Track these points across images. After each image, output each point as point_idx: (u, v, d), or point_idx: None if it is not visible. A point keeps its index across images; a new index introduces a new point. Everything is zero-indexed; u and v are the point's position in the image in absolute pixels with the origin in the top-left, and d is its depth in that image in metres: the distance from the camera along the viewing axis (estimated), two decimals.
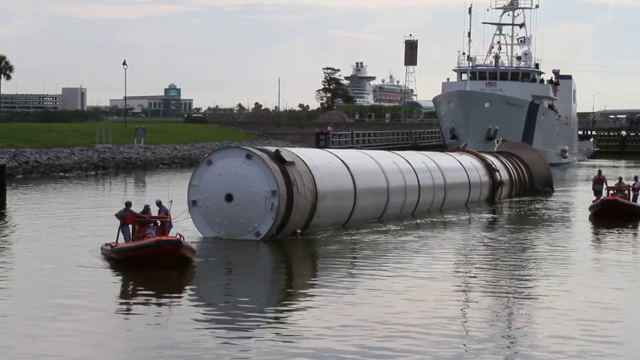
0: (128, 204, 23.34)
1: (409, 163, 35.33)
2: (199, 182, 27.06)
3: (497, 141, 52.14)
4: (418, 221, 32.99)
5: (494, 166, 42.75)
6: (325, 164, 29.86)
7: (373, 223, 31.36)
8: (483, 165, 42.29)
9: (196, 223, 26.90)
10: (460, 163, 40.42)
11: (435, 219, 34.05)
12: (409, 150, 43.62)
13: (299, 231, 27.64)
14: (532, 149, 52.78)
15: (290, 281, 22.25)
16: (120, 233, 23.28)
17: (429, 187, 35.86)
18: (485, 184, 41.69)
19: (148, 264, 21.26)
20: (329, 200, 28.98)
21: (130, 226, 22.97)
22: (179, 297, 19.04)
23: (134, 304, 18.43)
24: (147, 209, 23.24)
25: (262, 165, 26.60)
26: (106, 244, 23.33)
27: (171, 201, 24.34)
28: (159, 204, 23.65)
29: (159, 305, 18.24)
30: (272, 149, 28.46)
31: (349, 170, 30.65)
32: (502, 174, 43.42)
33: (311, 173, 28.34)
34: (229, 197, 26.48)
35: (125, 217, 22.98)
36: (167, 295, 19.16)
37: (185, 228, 25.89)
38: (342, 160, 30.98)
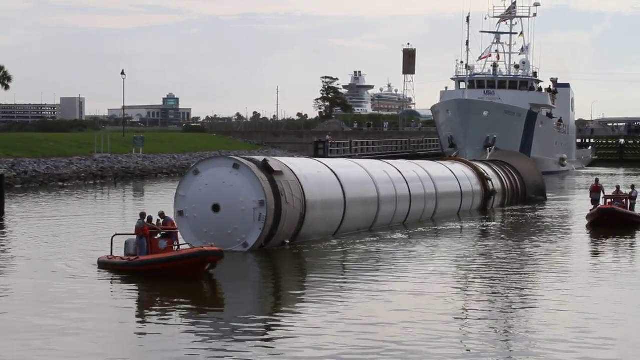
0: (143, 215, 22.98)
1: (400, 172, 35.17)
2: (185, 192, 26.82)
3: (490, 150, 52.09)
4: (409, 231, 32.81)
5: (486, 175, 42.61)
6: (314, 174, 29.69)
7: (363, 233, 31.23)
8: (475, 174, 42.13)
9: (183, 234, 26.33)
10: (452, 172, 40.28)
11: (427, 229, 33.88)
12: (401, 159, 43.53)
13: (288, 242, 27.45)
14: (525, 158, 52.72)
15: (280, 293, 22.01)
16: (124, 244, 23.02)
17: (420, 197, 35.72)
18: (477, 193, 41.54)
19: (179, 274, 21.22)
20: (318, 210, 28.83)
21: (145, 238, 22.59)
22: (168, 310, 18.96)
23: (128, 315, 18.40)
24: (150, 219, 23.02)
25: (250, 175, 26.40)
26: (109, 257, 23.05)
27: (180, 212, 24.22)
28: (161, 214, 23.53)
29: (151, 317, 18.26)
30: (260, 158, 28.29)
31: (338, 179, 30.50)
32: (495, 183, 43.27)
33: (300, 183, 28.18)
34: (216, 208, 26.25)
35: (143, 228, 22.67)
36: (156, 307, 19.20)
37: None
38: (331, 170, 30.82)
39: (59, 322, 17.00)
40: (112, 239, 23.80)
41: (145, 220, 22.79)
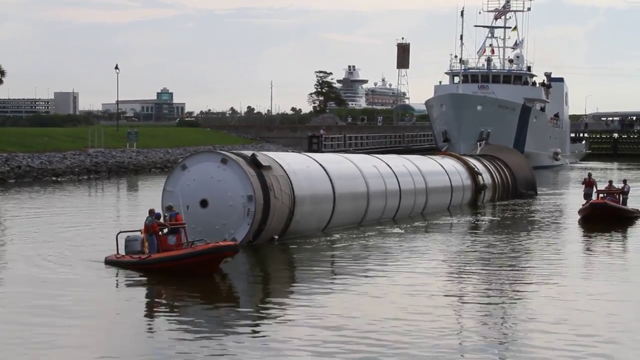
0: (151, 212, 22.83)
1: (390, 167, 35.07)
2: (173, 187, 26.54)
3: (480, 144, 51.95)
4: (399, 226, 32.71)
5: (476, 169, 42.44)
6: (303, 169, 29.58)
7: (353, 228, 31.14)
8: (465, 168, 41.97)
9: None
10: (442, 166, 40.11)
11: (417, 224, 33.73)
12: (391, 154, 43.44)
13: (277, 237, 27.38)
14: (515, 152, 52.59)
15: (269, 289, 21.83)
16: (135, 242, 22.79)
17: (410, 191, 35.61)
18: (467, 188, 41.36)
19: (193, 271, 21.09)
20: (307, 205, 28.73)
21: (155, 235, 22.43)
22: (156, 307, 18.96)
23: (116, 314, 18.22)
24: (158, 216, 22.88)
25: (238, 170, 26.26)
26: (117, 256, 22.81)
27: (187, 207, 24.44)
28: (169, 207, 23.49)
29: (140, 315, 18.16)
30: (248, 153, 28.11)
31: (327, 174, 30.40)
32: (485, 178, 43.06)
33: (288, 177, 28.08)
34: (204, 203, 26.01)
35: (153, 225, 22.48)
36: (144, 305, 19.15)
37: None
38: (320, 165, 30.71)
39: (52, 329, 16.54)
40: (117, 237, 23.54)
41: (154, 217, 22.65)
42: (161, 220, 22.97)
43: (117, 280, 21.48)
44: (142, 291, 20.72)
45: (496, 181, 44.45)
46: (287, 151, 67.04)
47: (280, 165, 28.28)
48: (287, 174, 28.14)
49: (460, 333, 16.31)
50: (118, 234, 23.86)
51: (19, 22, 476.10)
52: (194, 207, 26.12)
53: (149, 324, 17.25)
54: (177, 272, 21.37)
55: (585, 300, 19.31)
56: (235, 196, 26.09)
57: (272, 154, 30.00)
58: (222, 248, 21.46)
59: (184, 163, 27.08)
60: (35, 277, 21.55)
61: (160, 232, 22.63)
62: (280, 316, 17.68)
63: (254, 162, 27.03)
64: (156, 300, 20.14)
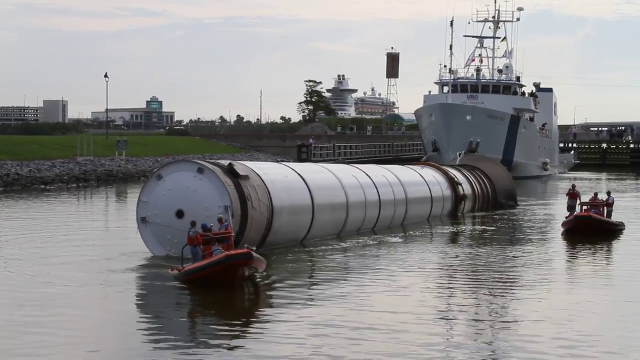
0: (194, 224, 22.76)
1: (370, 177, 34.96)
2: (148, 198, 26.36)
3: (460, 154, 51.83)
4: (379, 237, 32.59)
5: (456, 180, 42.29)
6: (281, 179, 29.44)
7: (332, 239, 31.05)
8: (446, 179, 41.86)
9: (146, 241, 26.25)
10: (422, 177, 39.97)
11: (397, 235, 33.58)
12: (371, 164, 43.37)
13: (255, 248, 26.99)
14: (495, 162, 52.46)
15: (249, 301, 21.70)
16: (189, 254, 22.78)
17: (390, 202, 35.50)
18: (448, 198, 41.24)
19: (221, 281, 21.06)
20: (285, 216, 28.57)
21: (198, 246, 22.40)
22: (131, 320, 18.73)
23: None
24: (206, 227, 22.81)
25: (215, 180, 26.01)
26: (172, 268, 22.70)
27: (233, 215, 24.19)
28: (220, 220, 23.41)
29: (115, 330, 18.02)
30: (225, 162, 27.87)
31: (306, 185, 30.29)
32: (465, 188, 42.96)
33: (267, 188, 27.91)
34: (180, 214, 25.71)
35: (196, 237, 22.38)
36: (121, 320, 18.80)
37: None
38: (299, 175, 30.57)
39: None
40: (182, 250, 23.06)
41: (197, 228, 22.57)
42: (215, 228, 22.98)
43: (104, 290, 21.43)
44: (120, 304, 20.37)
45: (476, 192, 44.28)
46: (277, 160, 67.15)
47: (259, 175, 28.10)
48: (265, 184, 27.97)
49: (448, 342, 16.35)
50: (184, 247, 23.10)
51: (8, 30, 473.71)
52: (169, 218, 25.94)
53: (119, 339, 17.06)
54: (205, 283, 21.31)
55: (571, 315, 19.13)
56: (212, 207, 25.68)
57: (250, 164, 29.85)
58: (231, 257, 21.22)
59: (159, 173, 26.76)
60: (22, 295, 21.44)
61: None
62: (262, 328, 17.66)
63: (231, 172, 26.76)
64: (137, 312, 19.88)
